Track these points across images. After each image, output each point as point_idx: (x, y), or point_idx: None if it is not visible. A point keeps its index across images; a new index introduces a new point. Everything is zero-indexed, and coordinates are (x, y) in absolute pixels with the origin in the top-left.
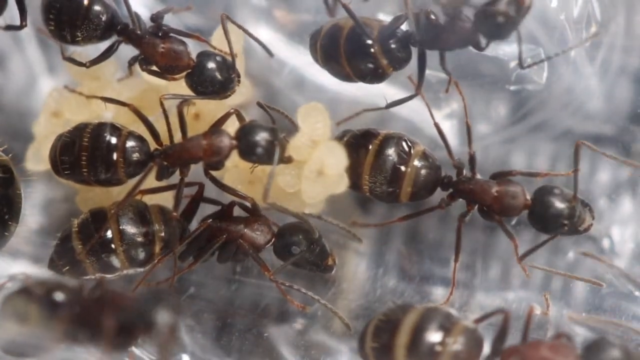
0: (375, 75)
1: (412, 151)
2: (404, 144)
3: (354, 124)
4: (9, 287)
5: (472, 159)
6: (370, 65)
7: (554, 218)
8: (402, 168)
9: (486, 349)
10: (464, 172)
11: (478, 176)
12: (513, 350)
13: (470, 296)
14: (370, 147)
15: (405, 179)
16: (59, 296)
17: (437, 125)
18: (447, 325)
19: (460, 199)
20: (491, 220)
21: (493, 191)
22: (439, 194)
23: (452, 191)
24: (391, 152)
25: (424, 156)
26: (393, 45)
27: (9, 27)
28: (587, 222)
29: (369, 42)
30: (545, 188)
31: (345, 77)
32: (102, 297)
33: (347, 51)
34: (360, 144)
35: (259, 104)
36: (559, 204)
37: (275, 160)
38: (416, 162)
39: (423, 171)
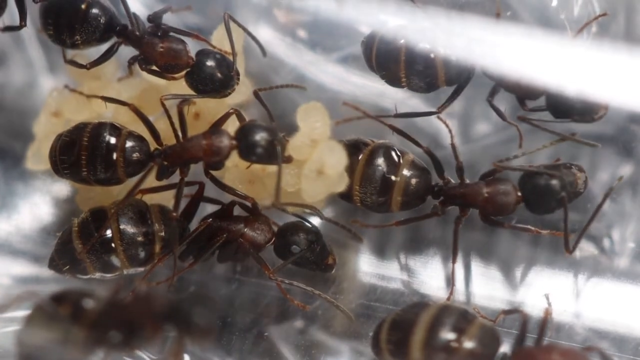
0: (428, 86)
1: (401, 160)
2: (393, 153)
3: (356, 124)
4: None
5: (459, 169)
6: (428, 78)
7: (551, 195)
8: (392, 177)
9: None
10: (451, 180)
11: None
12: (525, 352)
13: (470, 296)
14: (360, 157)
15: (395, 188)
16: (88, 303)
17: (453, 146)
18: (464, 323)
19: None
20: (498, 225)
21: (484, 192)
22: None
23: (443, 198)
24: (380, 161)
25: (414, 165)
26: (455, 59)
27: (8, 28)
28: (581, 178)
29: (433, 52)
30: (526, 174)
31: (394, 82)
32: (135, 299)
33: (408, 58)
34: (349, 154)
35: (255, 93)
36: (548, 180)
37: (279, 161)
38: (405, 171)
39: (413, 180)
